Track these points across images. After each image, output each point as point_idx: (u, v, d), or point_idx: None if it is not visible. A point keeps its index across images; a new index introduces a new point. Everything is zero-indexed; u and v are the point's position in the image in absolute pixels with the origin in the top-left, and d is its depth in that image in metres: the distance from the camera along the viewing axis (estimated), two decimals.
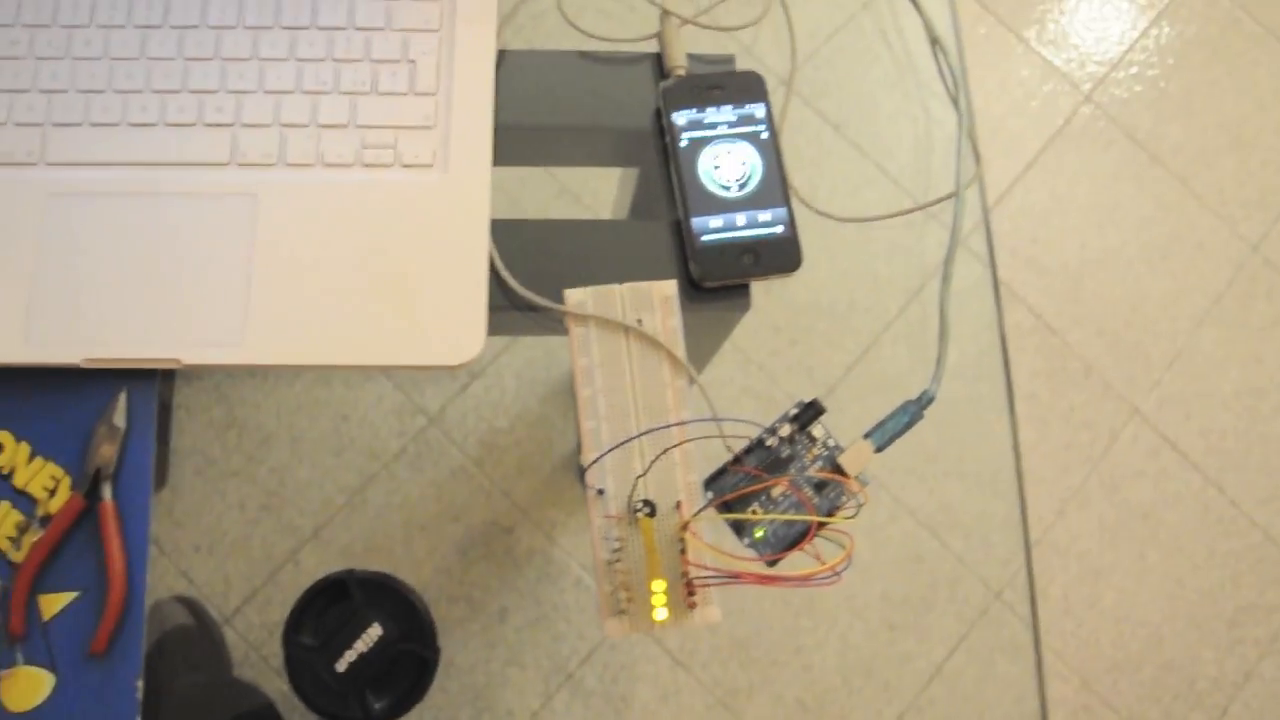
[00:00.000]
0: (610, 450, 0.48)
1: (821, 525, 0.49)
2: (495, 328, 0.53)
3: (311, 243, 0.51)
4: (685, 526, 0.46)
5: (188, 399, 0.53)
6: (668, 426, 0.49)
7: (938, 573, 0.54)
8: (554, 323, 0.54)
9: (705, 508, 0.47)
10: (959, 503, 0.55)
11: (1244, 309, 1.35)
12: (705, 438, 0.49)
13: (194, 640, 0.49)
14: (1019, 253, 1.36)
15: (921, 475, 0.55)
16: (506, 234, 0.55)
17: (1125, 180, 1.39)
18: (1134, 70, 1.42)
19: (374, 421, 0.53)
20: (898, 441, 0.52)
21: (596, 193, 0.58)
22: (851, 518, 0.49)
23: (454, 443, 0.53)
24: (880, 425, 0.51)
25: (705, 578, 0.46)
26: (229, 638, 0.50)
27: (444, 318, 0.50)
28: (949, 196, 0.58)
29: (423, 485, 0.52)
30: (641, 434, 0.47)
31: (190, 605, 0.50)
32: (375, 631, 0.45)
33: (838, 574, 0.41)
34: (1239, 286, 1.35)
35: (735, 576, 0.42)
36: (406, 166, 0.52)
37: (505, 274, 0.53)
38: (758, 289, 0.56)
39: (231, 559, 0.50)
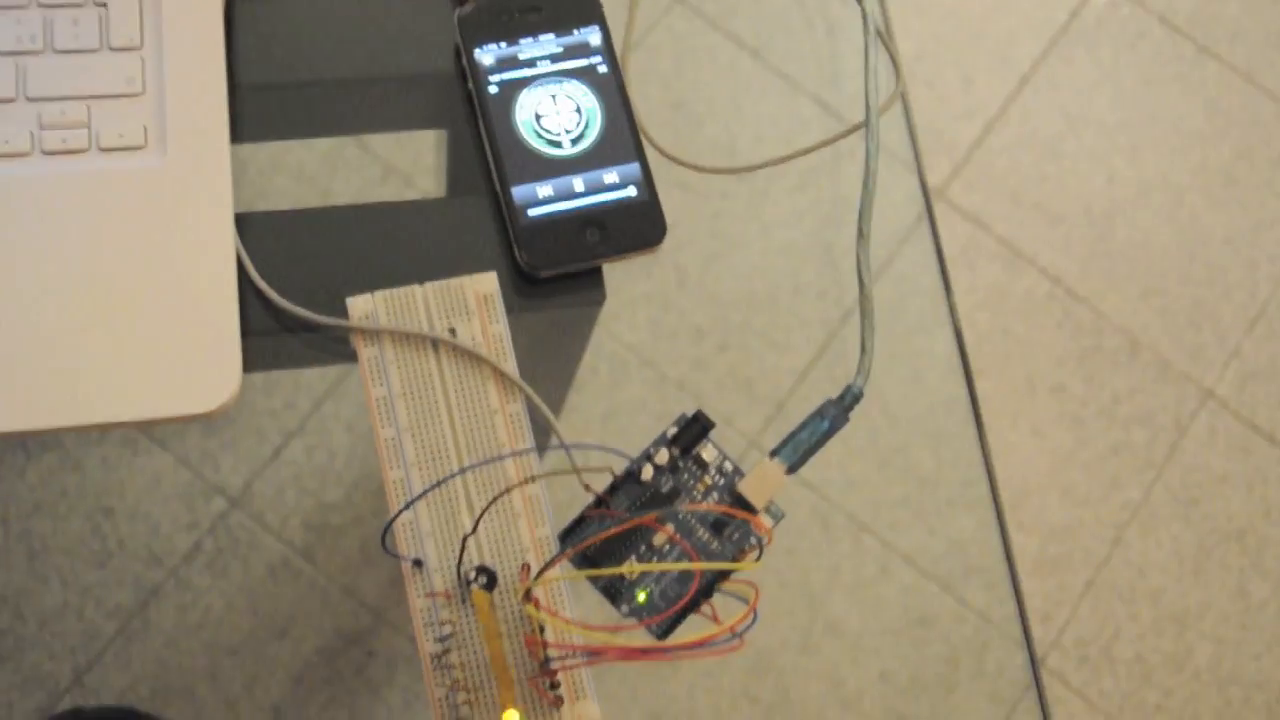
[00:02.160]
0: (417, 499, 0.49)
1: (722, 577, 0.49)
2: (260, 359, 0.54)
3: None
4: (529, 595, 0.47)
5: None
6: (495, 459, 0.50)
7: (955, 639, 0.56)
8: (341, 345, 0.55)
9: (551, 564, 0.47)
10: (971, 541, 0.58)
11: None
12: (557, 474, 0.51)
13: None
14: (1022, 198, 1.40)
15: (916, 508, 0.58)
16: (261, 230, 0.56)
17: (1164, 83, 1.44)
18: None
19: (150, 513, 0.53)
20: (878, 465, 0.54)
21: (386, 169, 0.59)
22: (756, 562, 0.50)
23: (269, 530, 0.54)
24: (790, 438, 0.52)
25: (564, 660, 0.47)
26: None
27: (186, 351, 0.51)
28: (857, 128, 0.62)
29: (229, 593, 0.53)
30: (461, 471, 0.49)
31: None
32: None
33: (737, 635, 0.43)
34: None
35: (596, 653, 0.44)
36: (107, 150, 0.53)
37: (261, 283, 0.54)
38: (654, 279, 0.59)
39: None
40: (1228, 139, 1.44)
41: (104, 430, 0.53)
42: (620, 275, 0.59)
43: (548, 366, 0.58)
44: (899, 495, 0.59)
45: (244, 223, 0.56)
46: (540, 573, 0.48)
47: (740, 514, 0.51)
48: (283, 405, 0.56)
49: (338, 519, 0.55)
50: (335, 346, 0.56)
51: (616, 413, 0.57)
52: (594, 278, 0.58)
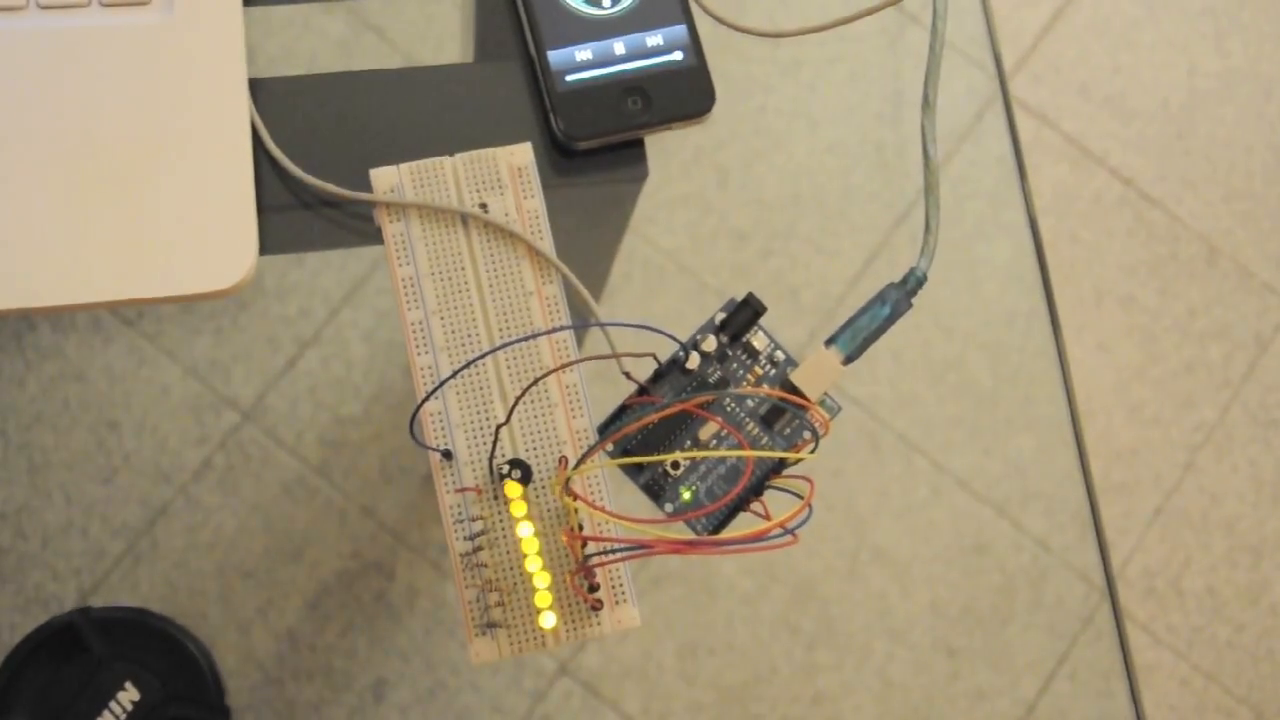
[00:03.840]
0: (448, 380, 0.49)
1: (774, 472, 0.49)
2: (278, 239, 0.54)
3: None
4: (567, 486, 0.47)
5: None
6: (530, 338, 0.50)
7: (1011, 568, 0.56)
8: (364, 223, 0.55)
9: (591, 453, 0.48)
10: (1031, 463, 0.58)
11: None
12: (597, 359, 0.50)
13: None
14: (1093, 91, 1.38)
15: (972, 427, 0.58)
16: (278, 97, 0.56)
17: None
18: None
19: (159, 426, 0.54)
20: (931, 381, 0.54)
21: (414, 31, 0.59)
22: (812, 454, 0.49)
23: (282, 445, 0.55)
24: (848, 324, 0.51)
25: (603, 556, 0.47)
26: None
27: (198, 224, 0.52)
28: None
29: (242, 512, 0.54)
30: (495, 349, 0.48)
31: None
32: (130, 694, 0.47)
33: (790, 532, 0.42)
34: None
35: (644, 546, 0.43)
36: (109, 5, 0.54)
37: (278, 154, 0.54)
38: (693, 179, 0.59)
39: None
40: None
41: (112, 308, 0.54)
42: (656, 175, 0.59)
43: (585, 248, 0.57)
44: (953, 414, 0.59)
45: (258, 89, 0.56)
46: (580, 461, 0.48)
47: (795, 399, 0.50)
48: (297, 312, 0.57)
49: (355, 435, 0.55)
50: (357, 224, 0.56)
51: (652, 322, 0.57)
52: (636, 151, 0.58)
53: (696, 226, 0.60)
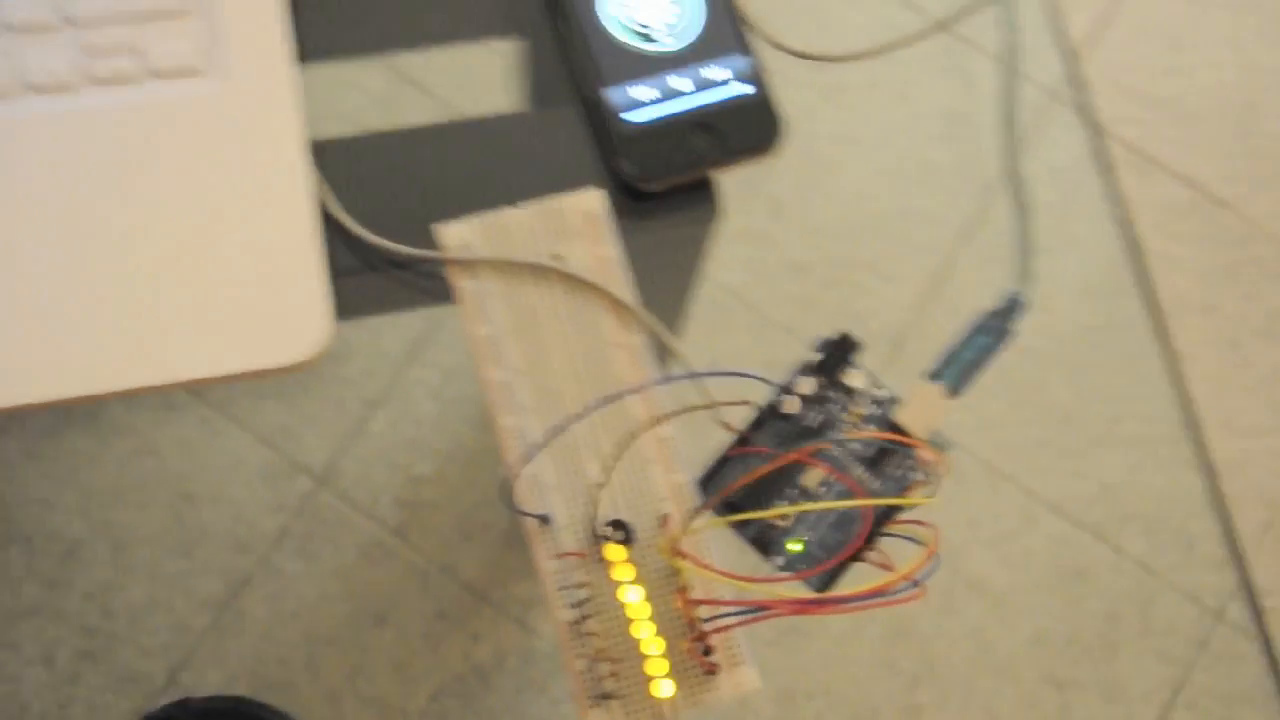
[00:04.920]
0: (542, 447, 0.48)
1: (886, 518, 0.48)
2: (351, 304, 0.54)
3: (28, 219, 0.52)
4: (675, 548, 0.46)
5: None
6: (626, 395, 0.49)
7: (1115, 593, 0.57)
8: (432, 281, 0.55)
9: (700, 511, 0.47)
10: (1126, 483, 0.58)
11: None
12: (692, 410, 0.49)
13: None
14: (1148, 95, 1.39)
15: (1059, 449, 0.58)
16: (338, 159, 0.57)
17: None
18: None
19: (234, 495, 0.55)
20: (1012, 404, 0.54)
21: (459, 84, 0.60)
22: (931, 497, 0.49)
23: (358, 508, 0.56)
24: (951, 357, 0.51)
25: (720, 619, 0.46)
26: None
27: (270, 297, 0.52)
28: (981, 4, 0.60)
29: (322, 578, 0.55)
30: (586, 413, 0.48)
31: None
32: None
33: (917, 582, 0.42)
34: None
35: (763, 608, 0.43)
36: (160, 77, 0.55)
37: (342, 216, 0.55)
38: (748, 213, 0.59)
39: None
40: None
41: (190, 389, 0.54)
42: (761, 213, 0.60)
43: (659, 293, 0.57)
44: (1038, 436, 0.59)
45: (319, 150, 0.57)
46: (691, 519, 0.47)
47: (912, 442, 0.49)
48: (360, 373, 0.58)
49: (430, 494, 0.56)
50: (425, 284, 0.56)
51: (721, 363, 0.57)
52: (705, 190, 0.58)
53: (754, 261, 0.61)
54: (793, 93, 0.62)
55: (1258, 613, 0.56)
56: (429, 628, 0.55)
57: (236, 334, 0.53)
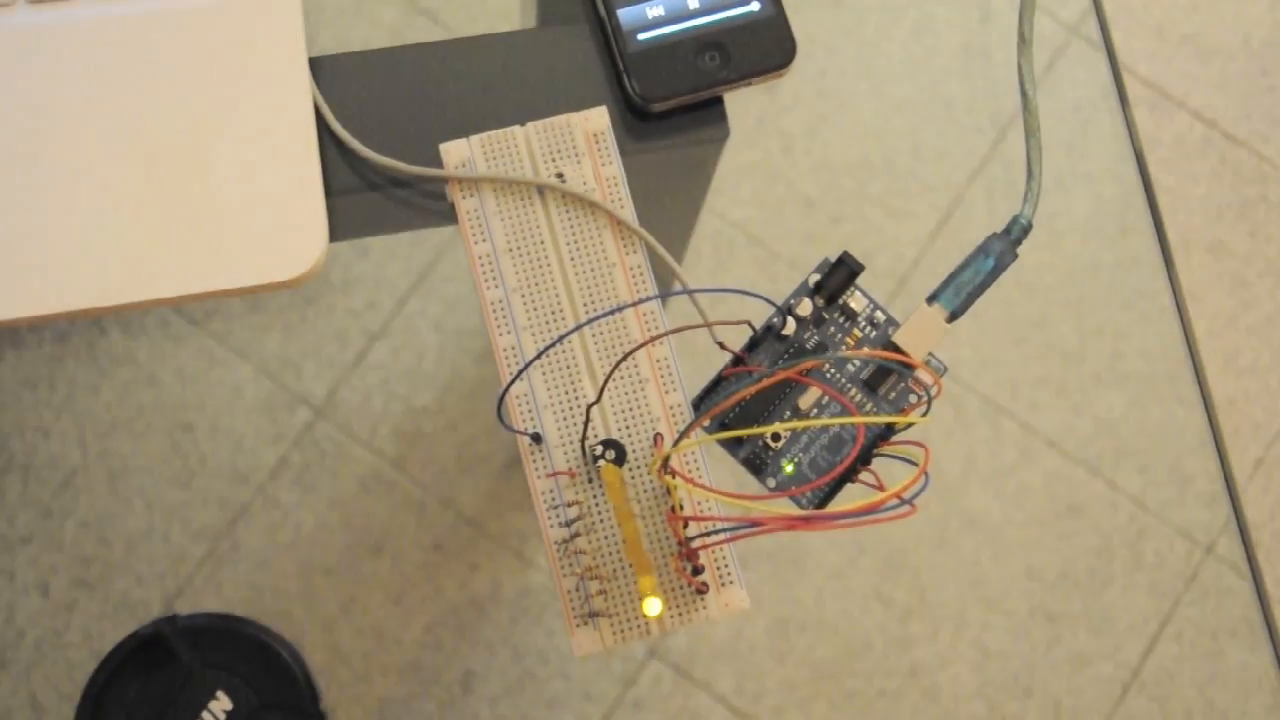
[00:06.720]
0: (533, 362, 0.49)
1: (881, 440, 0.49)
2: (348, 224, 0.55)
3: (26, 131, 0.52)
4: (666, 465, 0.46)
5: None
6: (617, 312, 0.50)
7: (1109, 528, 0.56)
8: (434, 201, 0.56)
9: (691, 429, 0.47)
10: (1123, 419, 0.58)
11: None
12: (688, 329, 0.49)
13: None
14: (1169, 31, 1.37)
15: (1059, 385, 0.58)
16: (339, 76, 0.56)
17: None
18: None
19: (233, 426, 0.55)
20: (1014, 341, 0.54)
21: (466, 13, 0.59)
22: (923, 417, 0.48)
23: (357, 439, 0.56)
24: (950, 280, 0.51)
25: (709, 535, 0.46)
26: None
27: (264, 213, 0.52)
28: None
29: (320, 508, 0.55)
30: (581, 326, 0.47)
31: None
32: (222, 703, 0.48)
33: (908, 501, 0.41)
34: None
35: (754, 525, 0.42)
36: None
37: (343, 134, 0.55)
38: (757, 147, 0.59)
39: (38, 670, 0.52)
40: None
41: (181, 304, 0.54)
42: (770, 146, 0.59)
43: (665, 214, 0.57)
44: (1038, 373, 0.59)
45: (317, 68, 0.56)
46: (680, 438, 0.47)
47: (906, 359, 0.49)
48: (364, 305, 0.57)
49: (430, 425, 0.56)
50: (427, 204, 0.56)
51: (724, 296, 0.57)
52: (714, 109, 0.58)
53: (763, 195, 0.60)
54: (808, 28, 0.62)
55: (1247, 547, 0.56)
56: (426, 558, 0.55)
57: (232, 250, 0.52)
